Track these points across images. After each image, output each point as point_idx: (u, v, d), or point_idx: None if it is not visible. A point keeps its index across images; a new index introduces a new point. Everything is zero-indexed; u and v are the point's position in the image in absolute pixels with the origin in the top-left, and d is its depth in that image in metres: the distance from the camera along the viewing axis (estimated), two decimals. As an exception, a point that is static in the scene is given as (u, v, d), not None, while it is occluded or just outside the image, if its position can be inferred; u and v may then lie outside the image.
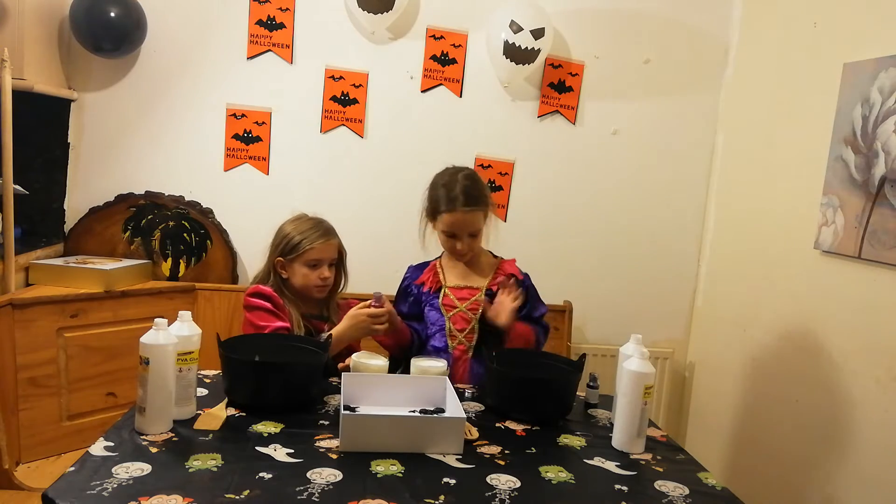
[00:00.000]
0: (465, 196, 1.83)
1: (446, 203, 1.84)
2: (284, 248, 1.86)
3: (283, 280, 1.89)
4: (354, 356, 1.70)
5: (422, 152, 2.67)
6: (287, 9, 2.54)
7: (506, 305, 1.81)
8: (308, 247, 1.84)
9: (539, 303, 2.00)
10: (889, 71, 1.85)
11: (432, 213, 1.90)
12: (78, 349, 2.21)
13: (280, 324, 1.79)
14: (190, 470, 1.20)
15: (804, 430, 2.14)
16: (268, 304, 1.81)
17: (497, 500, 1.19)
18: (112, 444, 1.27)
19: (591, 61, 2.71)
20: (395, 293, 2.64)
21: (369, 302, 1.78)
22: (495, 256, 2.03)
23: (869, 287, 1.91)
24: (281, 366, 1.55)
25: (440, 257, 2.02)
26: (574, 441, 1.49)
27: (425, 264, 2.02)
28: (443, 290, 1.94)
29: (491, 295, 1.92)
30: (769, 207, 2.40)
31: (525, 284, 1.96)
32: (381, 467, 1.27)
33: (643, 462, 1.41)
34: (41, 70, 2.30)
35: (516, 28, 2.45)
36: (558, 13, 2.61)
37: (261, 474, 1.20)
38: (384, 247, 2.69)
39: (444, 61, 2.64)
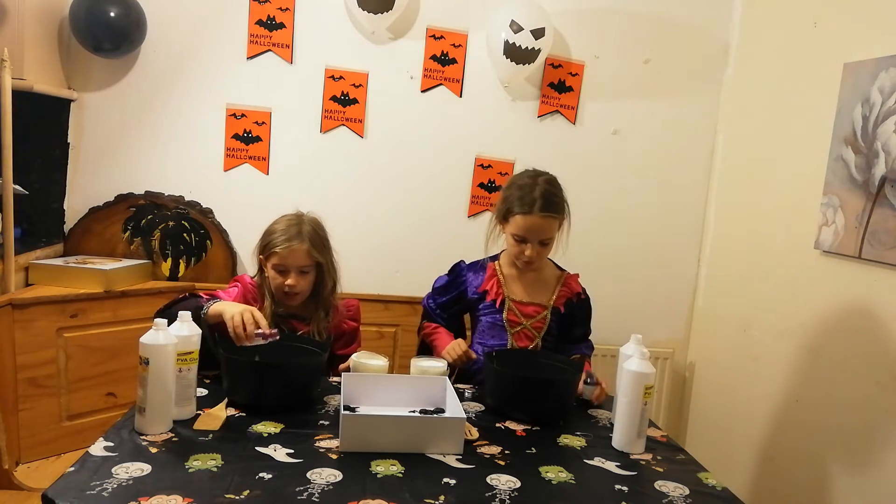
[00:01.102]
0: (543, 200, 1.74)
1: (521, 205, 1.75)
2: (261, 245, 1.83)
3: (265, 276, 1.85)
4: (354, 356, 1.70)
5: (422, 152, 2.67)
6: (287, 9, 2.54)
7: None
8: (271, 250, 1.77)
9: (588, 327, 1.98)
10: (889, 71, 1.85)
11: (504, 214, 1.80)
12: (78, 349, 2.21)
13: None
14: (190, 470, 1.20)
15: (804, 430, 2.14)
16: (236, 289, 1.81)
17: (497, 500, 1.19)
18: (112, 444, 1.27)
19: (591, 61, 2.71)
20: (394, 293, 2.66)
21: (268, 332, 1.56)
22: (559, 268, 1.96)
23: (869, 287, 1.91)
24: (281, 366, 1.55)
25: (497, 259, 1.93)
26: (574, 441, 1.49)
27: (481, 266, 1.93)
28: (507, 304, 1.86)
29: (558, 315, 1.88)
30: (769, 207, 2.40)
31: (586, 304, 1.95)
32: (381, 467, 1.27)
33: (643, 462, 1.41)
34: (41, 70, 2.30)
35: (516, 28, 2.45)
36: (558, 13, 2.61)
37: (261, 474, 1.20)
38: (384, 247, 2.69)
39: (444, 61, 2.64)
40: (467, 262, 1.96)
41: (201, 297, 1.70)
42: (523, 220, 1.76)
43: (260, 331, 1.55)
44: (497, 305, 1.86)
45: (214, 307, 1.61)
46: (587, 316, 1.96)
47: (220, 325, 1.59)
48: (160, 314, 1.63)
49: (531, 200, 1.75)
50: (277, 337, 1.57)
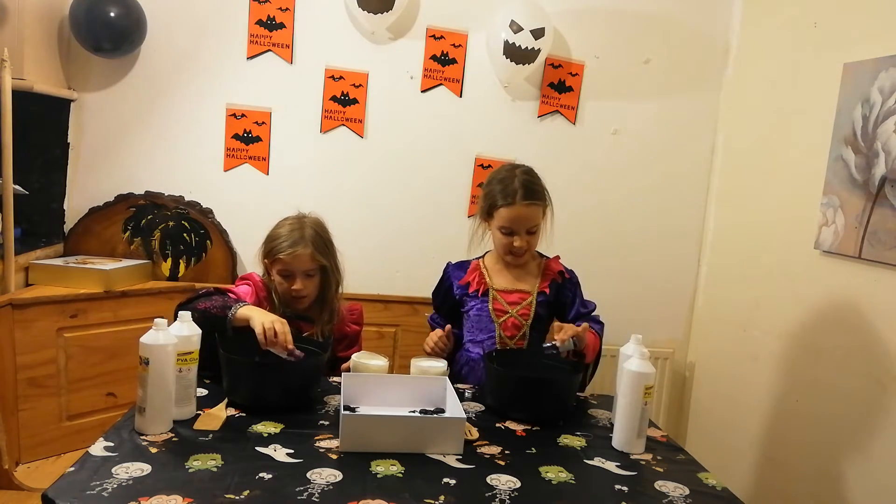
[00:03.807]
0: (524, 189, 1.77)
1: (504, 197, 1.78)
2: (264, 251, 1.82)
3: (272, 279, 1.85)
4: (354, 356, 1.70)
5: (422, 152, 2.67)
6: (287, 9, 2.54)
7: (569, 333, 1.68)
8: (275, 256, 1.77)
9: (586, 299, 1.94)
10: (889, 71, 1.85)
11: (488, 210, 1.83)
12: (78, 349, 2.21)
13: (239, 292, 1.75)
14: (190, 470, 1.20)
15: (804, 430, 2.14)
16: (248, 286, 1.80)
17: (497, 500, 1.19)
18: (112, 444, 1.27)
19: (591, 61, 2.71)
20: (394, 293, 2.67)
21: (296, 352, 1.56)
22: (541, 255, 1.97)
23: (869, 287, 1.91)
24: (281, 366, 1.55)
25: (482, 257, 1.96)
26: (574, 441, 1.49)
27: (466, 263, 1.96)
28: (491, 294, 1.87)
29: (545, 299, 1.87)
30: (769, 207, 2.40)
31: (572, 282, 1.93)
32: (381, 467, 1.27)
33: (643, 462, 1.41)
34: (41, 70, 2.30)
35: (516, 28, 2.45)
36: (558, 13, 2.61)
37: (261, 474, 1.20)
38: (384, 247, 2.69)
39: (444, 61, 2.64)
40: (454, 262, 1.98)
41: (228, 295, 1.68)
42: (508, 211, 1.78)
43: (290, 348, 1.55)
44: (480, 295, 1.88)
45: (243, 311, 1.59)
46: (576, 292, 1.93)
47: (239, 329, 1.58)
48: (182, 307, 1.60)
49: (512, 191, 1.78)
50: (302, 357, 1.57)
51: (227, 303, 1.62)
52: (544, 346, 1.71)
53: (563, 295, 1.91)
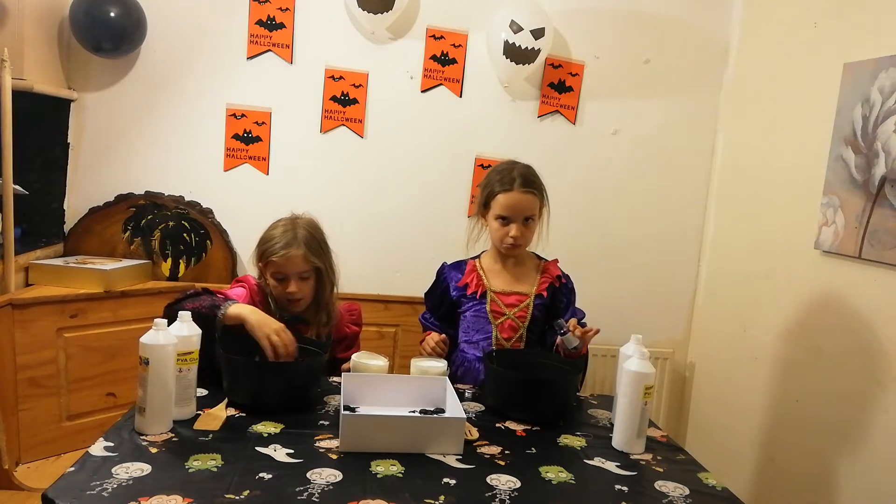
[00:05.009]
0: (522, 178, 1.80)
1: (502, 185, 1.80)
2: (258, 253, 1.79)
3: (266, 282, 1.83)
4: (354, 356, 1.69)
5: (422, 152, 2.67)
6: (287, 9, 2.54)
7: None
8: (268, 258, 1.74)
9: (576, 307, 1.94)
10: (889, 71, 1.85)
11: (486, 199, 1.84)
12: (78, 349, 2.21)
13: (231, 293, 1.72)
14: (190, 470, 1.20)
15: (804, 430, 2.14)
16: (242, 289, 1.78)
17: (497, 500, 1.19)
18: (112, 444, 1.27)
19: (591, 61, 2.71)
20: (394, 293, 2.67)
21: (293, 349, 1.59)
22: (539, 257, 1.97)
23: (869, 287, 1.92)
24: (281, 366, 1.55)
25: (479, 257, 1.95)
26: (574, 441, 1.49)
27: (462, 263, 1.95)
28: (489, 296, 1.88)
29: (542, 302, 1.87)
30: (769, 207, 2.40)
31: (568, 287, 1.93)
32: (381, 467, 1.27)
33: (643, 462, 1.41)
34: (41, 70, 2.30)
35: (516, 28, 2.45)
36: (558, 13, 2.61)
37: (261, 474, 1.20)
38: (384, 247, 2.69)
39: (444, 61, 2.64)
40: (449, 263, 1.98)
41: (215, 295, 1.66)
42: (505, 197, 1.80)
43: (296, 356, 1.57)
44: (478, 297, 1.88)
45: (234, 309, 1.58)
46: (570, 301, 1.94)
47: (232, 327, 1.58)
48: (170, 308, 1.60)
49: (511, 179, 1.81)
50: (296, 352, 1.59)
51: (216, 302, 1.61)
52: (556, 322, 1.71)
53: (557, 300, 1.92)
